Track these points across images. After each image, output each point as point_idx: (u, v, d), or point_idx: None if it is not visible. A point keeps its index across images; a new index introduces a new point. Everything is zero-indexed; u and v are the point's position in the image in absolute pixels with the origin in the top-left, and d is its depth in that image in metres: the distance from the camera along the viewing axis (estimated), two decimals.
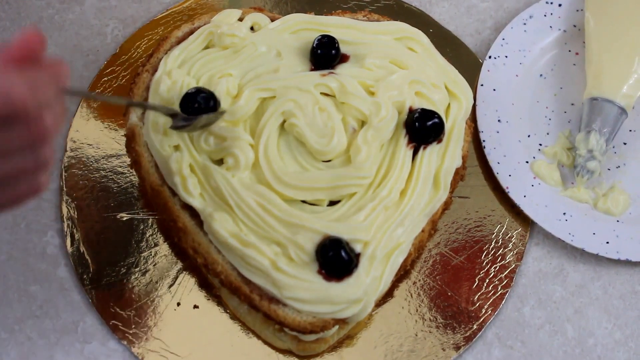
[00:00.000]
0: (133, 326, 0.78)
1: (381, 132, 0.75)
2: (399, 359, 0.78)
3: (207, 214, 0.73)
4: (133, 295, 0.80)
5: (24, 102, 0.51)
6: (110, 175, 0.85)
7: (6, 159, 0.54)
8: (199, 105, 0.74)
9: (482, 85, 0.89)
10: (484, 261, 0.83)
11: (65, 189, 0.84)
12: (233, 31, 0.79)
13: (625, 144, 0.89)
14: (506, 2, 0.97)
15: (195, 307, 0.80)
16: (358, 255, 0.72)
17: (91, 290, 0.80)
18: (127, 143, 0.78)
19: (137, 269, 0.81)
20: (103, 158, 0.85)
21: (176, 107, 0.74)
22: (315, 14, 0.85)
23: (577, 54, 0.93)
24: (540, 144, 0.88)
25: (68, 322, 0.80)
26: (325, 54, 0.79)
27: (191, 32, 0.82)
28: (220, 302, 0.80)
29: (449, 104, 0.80)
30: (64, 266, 0.82)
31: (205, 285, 0.80)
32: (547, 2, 0.94)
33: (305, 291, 0.70)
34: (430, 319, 0.80)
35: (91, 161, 0.85)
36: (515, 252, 0.83)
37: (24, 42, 0.53)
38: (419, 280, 0.82)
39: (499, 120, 0.88)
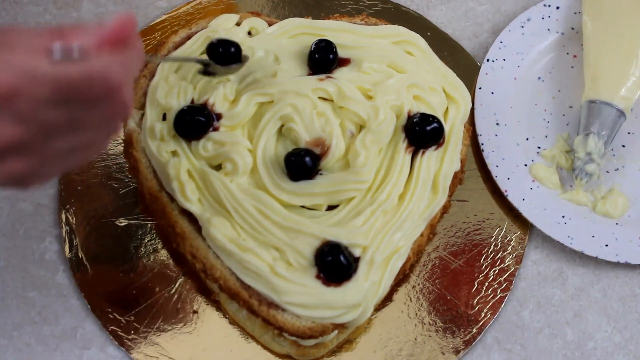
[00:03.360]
0: (132, 332, 0.78)
1: (379, 136, 0.75)
2: None
3: (206, 219, 0.73)
4: (132, 301, 0.80)
5: (120, 84, 0.53)
6: (109, 181, 0.85)
7: (82, 132, 0.55)
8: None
9: (480, 88, 0.89)
10: (483, 265, 0.83)
11: (63, 194, 0.84)
12: (230, 36, 0.79)
13: (623, 146, 0.89)
14: (504, 5, 0.97)
15: (194, 312, 0.80)
16: (357, 260, 0.71)
17: (90, 296, 0.80)
18: (125, 149, 0.78)
19: (136, 274, 0.81)
20: (101, 163, 0.85)
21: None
22: (313, 18, 0.85)
23: (575, 56, 0.93)
24: (539, 147, 0.88)
25: (67, 328, 0.80)
26: (323, 59, 0.79)
27: (188, 37, 0.82)
28: (219, 307, 0.79)
29: (447, 108, 0.80)
30: (62, 272, 0.82)
31: (204, 290, 0.80)
32: (544, 5, 0.94)
33: (304, 296, 0.70)
34: (429, 323, 0.80)
35: (89, 167, 0.85)
36: (514, 255, 0.83)
37: (119, 25, 0.54)
38: (418, 284, 0.82)
39: (497, 124, 0.88)
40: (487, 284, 0.82)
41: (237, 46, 0.76)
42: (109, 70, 0.53)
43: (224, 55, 0.76)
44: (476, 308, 0.81)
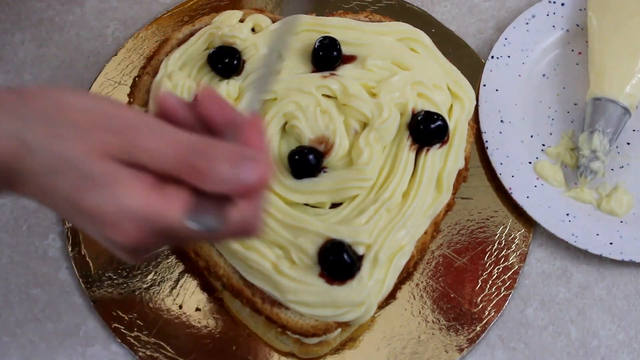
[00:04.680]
0: (135, 329, 0.78)
1: (383, 133, 0.75)
2: None
3: None
4: (135, 298, 0.80)
5: (255, 229, 0.52)
6: None
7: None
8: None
9: (484, 85, 0.89)
10: (487, 263, 0.83)
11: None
12: (234, 33, 0.79)
13: (628, 144, 0.89)
14: (508, 2, 0.97)
15: (197, 310, 0.79)
16: (360, 258, 0.71)
17: (93, 294, 0.80)
18: None
19: (139, 271, 0.81)
20: None
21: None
22: (317, 15, 0.84)
23: (580, 53, 0.92)
24: (543, 145, 0.88)
25: (70, 325, 0.80)
26: (327, 56, 0.78)
27: (192, 34, 0.82)
28: (222, 305, 0.79)
29: (452, 105, 0.79)
30: (65, 269, 0.82)
31: (207, 288, 0.80)
32: (549, 2, 0.93)
33: (308, 294, 0.70)
34: (433, 321, 0.80)
35: None
36: (518, 253, 0.83)
37: (263, 179, 0.50)
38: (422, 282, 0.82)
39: (501, 121, 0.87)
40: (491, 281, 0.82)
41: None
42: (247, 228, 0.51)
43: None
44: (480, 306, 0.80)
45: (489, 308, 0.80)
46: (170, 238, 0.52)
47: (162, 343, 0.78)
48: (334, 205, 0.75)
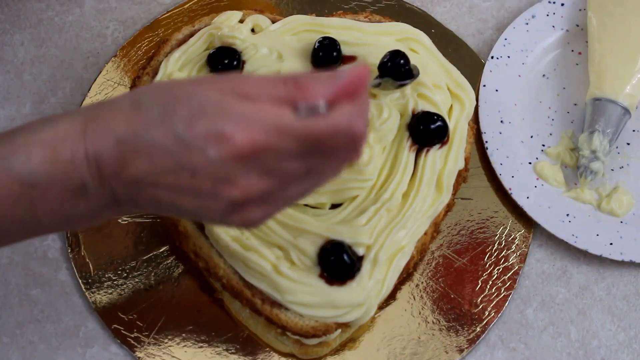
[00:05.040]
0: (135, 330, 0.78)
1: (383, 134, 0.75)
2: None
3: None
4: (134, 299, 0.79)
5: (363, 134, 0.54)
6: None
7: (316, 177, 0.56)
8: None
9: (484, 85, 0.89)
10: (487, 263, 0.82)
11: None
12: (234, 33, 0.79)
13: (628, 144, 0.89)
14: (508, 2, 0.96)
15: (197, 310, 0.79)
16: (360, 259, 0.71)
17: (93, 294, 0.80)
18: None
19: (139, 272, 0.81)
20: None
21: None
22: (317, 15, 0.84)
23: (580, 53, 0.92)
24: (543, 145, 0.88)
25: (70, 326, 0.79)
26: (327, 56, 0.78)
27: (191, 35, 0.82)
28: (222, 305, 0.79)
29: (451, 106, 0.79)
30: (65, 270, 0.82)
31: (206, 289, 0.80)
32: (549, 2, 0.93)
33: (308, 295, 0.70)
34: (433, 322, 0.80)
35: None
36: (518, 253, 0.83)
37: (356, 78, 0.54)
38: (422, 282, 0.81)
39: (501, 121, 0.87)
40: (491, 282, 0.82)
41: None
42: (354, 123, 0.53)
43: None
44: (480, 306, 0.80)
45: (489, 309, 0.80)
46: (283, 152, 0.53)
47: (161, 344, 0.78)
48: (334, 206, 0.75)
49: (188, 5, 0.93)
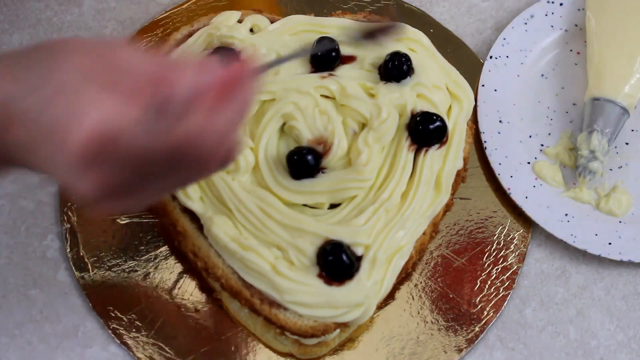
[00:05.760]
0: (134, 330, 0.78)
1: (382, 134, 0.75)
2: None
3: (207, 218, 0.73)
4: (133, 299, 0.79)
5: (211, 153, 0.51)
6: None
7: (181, 174, 0.54)
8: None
9: (483, 85, 0.89)
10: (485, 263, 0.82)
11: (64, 192, 0.83)
12: (232, 33, 0.79)
13: (627, 144, 0.89)
14: (507, 2, 0.97)
15: (196, 310, 0.79)
16: (359, 259, 0.71)
17: (91, 294, 0.80)
18: None
19: (137, 272, 0.81)
20: None
21: None
22: (315, 15, 0.84)
23: (578, 53, 0.92)
24: (542, 145, 0.88)
25: (68, 326, 0.79)
26: (325, 56, 0.78)
27: (190, 35, 0.82)
28: (220, 305, 0.79)
29: (450, 106, 0.79)
30: (64, 270, 0.82)
31: (205, 289, 0.80)
32: (548, 2, 0.93)
33: (306, 295, 0.70)
34: (432, 322, 0.80)
35: None
36: (517, 253, 0.83)
37: (234, 74, 0.51)
38: (421, 282, 0.82)
39: (500, 121, 0.87)
40: (489, 282, 0.82)
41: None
42: (202, 138, 0.49)
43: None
44: (479, 306, 0.80)
45: (487, 308, 0.80)
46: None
47: (160, 344, 0.78)
48: (333, 206, 0.75)
49: (187, 5, 0.93)
